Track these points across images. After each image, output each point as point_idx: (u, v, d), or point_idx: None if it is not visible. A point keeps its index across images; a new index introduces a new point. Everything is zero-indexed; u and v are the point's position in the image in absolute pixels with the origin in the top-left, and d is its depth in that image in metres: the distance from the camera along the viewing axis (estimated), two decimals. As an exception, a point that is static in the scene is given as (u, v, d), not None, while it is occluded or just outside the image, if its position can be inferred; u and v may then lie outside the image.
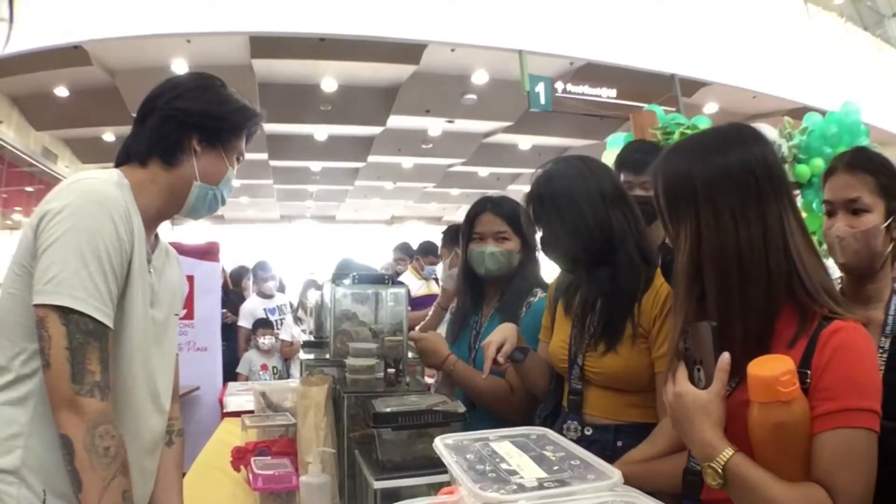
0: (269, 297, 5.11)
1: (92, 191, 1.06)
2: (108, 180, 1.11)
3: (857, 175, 1.27)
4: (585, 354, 1.42)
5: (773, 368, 0.84)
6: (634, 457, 1.27)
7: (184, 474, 2.01)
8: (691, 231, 0.97)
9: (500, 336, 1.48)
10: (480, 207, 1.85)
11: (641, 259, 1.41)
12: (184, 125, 1.19)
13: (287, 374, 4.77)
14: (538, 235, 1.52)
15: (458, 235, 2.27)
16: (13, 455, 1.02)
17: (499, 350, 1.46)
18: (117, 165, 1.20)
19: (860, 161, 1.30)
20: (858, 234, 1.25)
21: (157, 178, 1.18)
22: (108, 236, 1.03)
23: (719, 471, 0.86)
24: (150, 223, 1.18)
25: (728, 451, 0.87)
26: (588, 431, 1.39)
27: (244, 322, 4.93)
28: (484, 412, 1.69)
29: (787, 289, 0.94)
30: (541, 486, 0.64)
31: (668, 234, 1.04)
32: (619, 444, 1.36)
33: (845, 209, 1.28)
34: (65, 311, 0.98)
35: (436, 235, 3.64)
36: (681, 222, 0.99)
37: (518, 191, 12.92)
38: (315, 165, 12.49)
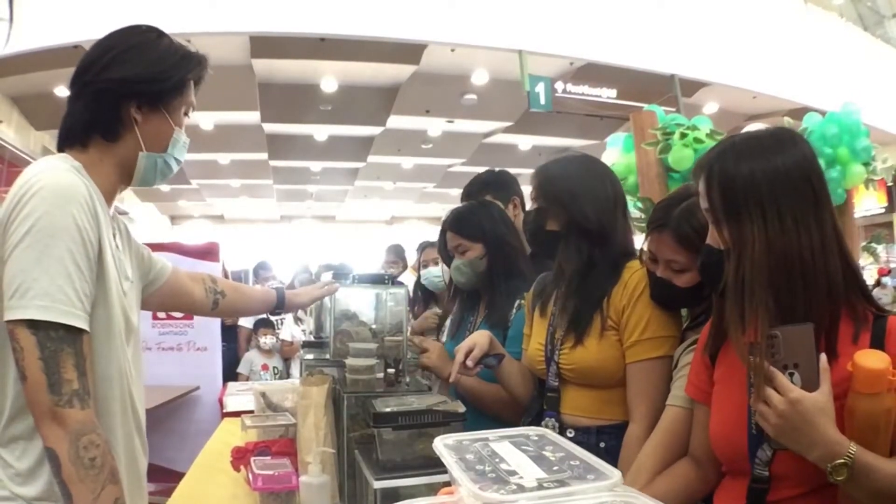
0: (269, 296, 5.11)
1: (45, 187, 0.98)
2: (59, 167, 1.03)
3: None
4: (560, 351, 1.43)
5: (879, 361, 0.90)
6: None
7: (183, 474, 2.03)
8: (759, 233, 0.98)
9: (470, 342, 1.51)
10: (443, 228, 1.92)
11: (622, 256, 1.46)
12: (119, 95, 1.10)
13: (287, 374, 4.78)
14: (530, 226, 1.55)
15: None
16: (39, 482, 1.00)
17: (467, 355, 1.48)
18: (60, 150, 1.13)
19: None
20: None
21: (103, 157, 1.11)
22: (69, 233, 0.97)
23: (849, 465, 0.90)
24: (106, 200, 1.12)
25: (853, 446, 0.91)
26: (570, 434, 1.40)
27: (245, 322, 4.94)
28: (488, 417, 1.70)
29: (845, 290, 0.99)
30: (540, 487, 0.64)
31: (720, 235, 1.03)
32: (602, 445, 1.37)
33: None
34: (32, 322, 0.94)
35: (436, 236, 3.63)
36: (744, 223, 0.99)
37: (518, 191, 12.90)
38: (315, 165, 12.50)
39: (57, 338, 0.95)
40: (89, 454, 0.96)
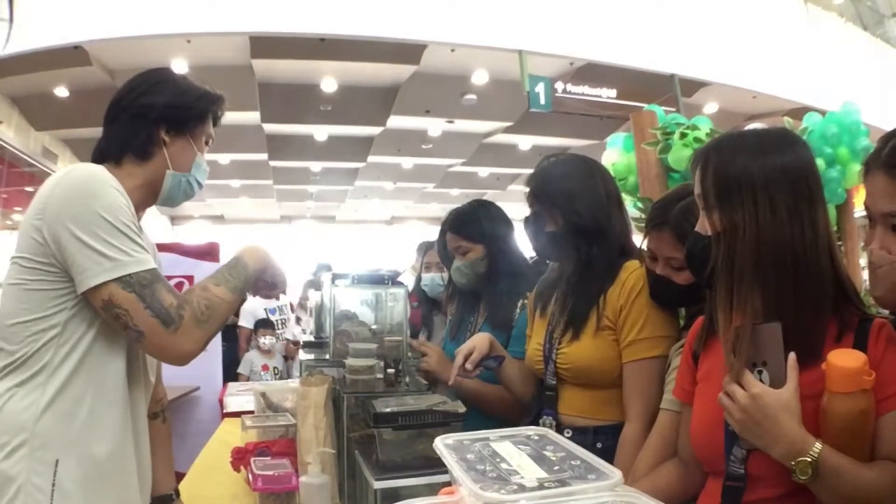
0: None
1: (86, 172, 1.13)
2: (94, 166, 1.18)
3: None
4: (558, 350, 1.44)
5: (854, 360, 0.89)
6: None
7: (184, 474, 2.03)
8: (750, 220, 0.98)
9: (470, 345, 1.52)
10: (442, 229, 1.91)
11: (619, 255, 1.46)
12: (151, 119, 1.25)
13: (288, 375, 4.77)
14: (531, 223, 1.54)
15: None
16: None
17: (467, 358, 1.49)
18: None
19: None
20: None
21: (133, 174, 1.24)
22: (114, 202, 1.10)
23: (812, 463, 0.88)
24: None
25: (818, 444, 0.89)
26: (568, 434, 1.40)
27: (245, 322, 4.93)
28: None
29: (833, 292, 0.98)
30: (541, 486, 0.64)
31: (710, 220, 1.03)
32: (599, 445, 1.38)
33: (884, 225, 0.95)
34: (124, 280, 1.06)
35: (436, 236, 3.60)
36: (736, 209, 0.99)
37: (518, 191, 12.90)
38: (315, 165, 12.48)
39: (148, 282, 1.09)
40: (202, 306, 1.12)
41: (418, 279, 3.29)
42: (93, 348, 1.12)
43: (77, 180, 1.11)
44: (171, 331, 1.08)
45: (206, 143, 1.36)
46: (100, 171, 1.15)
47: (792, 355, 0.92)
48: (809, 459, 0.88)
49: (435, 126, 10.61)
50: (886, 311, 1.11)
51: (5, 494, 1.04)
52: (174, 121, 1.27)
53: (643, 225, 1.60)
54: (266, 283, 1.29)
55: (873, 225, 0.98)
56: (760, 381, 0.93)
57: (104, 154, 1.25)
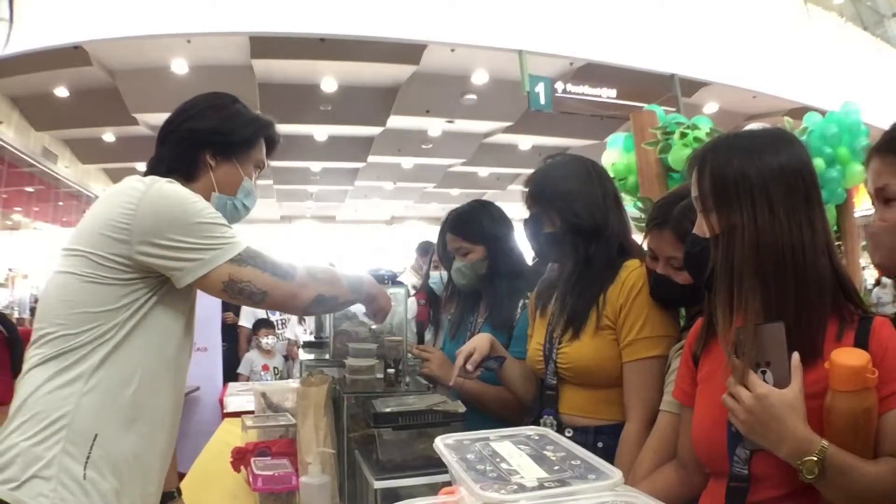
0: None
1: (168, 188, 1.19)
2: (174, 183, 1.23)
3: (887, 159, 1.01)
4: (558, 350, 1.44)
5: (857, 358, 0.89)
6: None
7: (184, 474, 2.03)
8: (748, 222, 0.98)
9: (470, 346, 1.51)
10: (442, 230, 1.89)
11: (618, 254, 1.46)
12: (197, 143, 1.31)
13: (288, 375, 4.77)
14: (528, 222, 1.54)
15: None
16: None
17: (467, 359, 1.48)
18: None
19: (891, 143, 1.02)
20: (890, 228, 1.01)
21: None
22: (201, 205, 1.19)
23: (819, 462, 0.88)
24: None
25: (824, 443, 0.89)
26: (569, 433, 1.39)
27: (245, 322, 4.93)
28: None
29: (833, 291, 0.99)
30: (541, 486, 0.64)
31: (708, 222, 1.03)
32: (600, 445, 1.38)
33: (878, 200, 1.04)
34: (234, 261, 1.18)
35: (436, 236, 3.59)
36: (734, 211, 0.99)
37: (518, 191, 12.91)
38: (315, 165, 12.50)
39: (255, 253, 1.22)
40: (313, 269, 1.28)
41: (426, 277, 3.28)
42: (147, 336, 1.19)
43: (167, 197, 1.18)
44: (288, 281, 1.23)
45: (257, 167, 1.41)
46: (177, 185, 1.22)
47: (795, 355, 0.92)
48: (816, 458, 0.88)
49: (435, 126, 10.62)
50: (887, 310, 1.11)
51: (30, 468, 1.08)
52: (219, 146, 1.33)
53: (643, 225, 1.60)
54: (370, 308, 1.47)
55: (875, 206, 1.03)
56: (764, 381, 0.93)
57: (153, 173, 1.27)
